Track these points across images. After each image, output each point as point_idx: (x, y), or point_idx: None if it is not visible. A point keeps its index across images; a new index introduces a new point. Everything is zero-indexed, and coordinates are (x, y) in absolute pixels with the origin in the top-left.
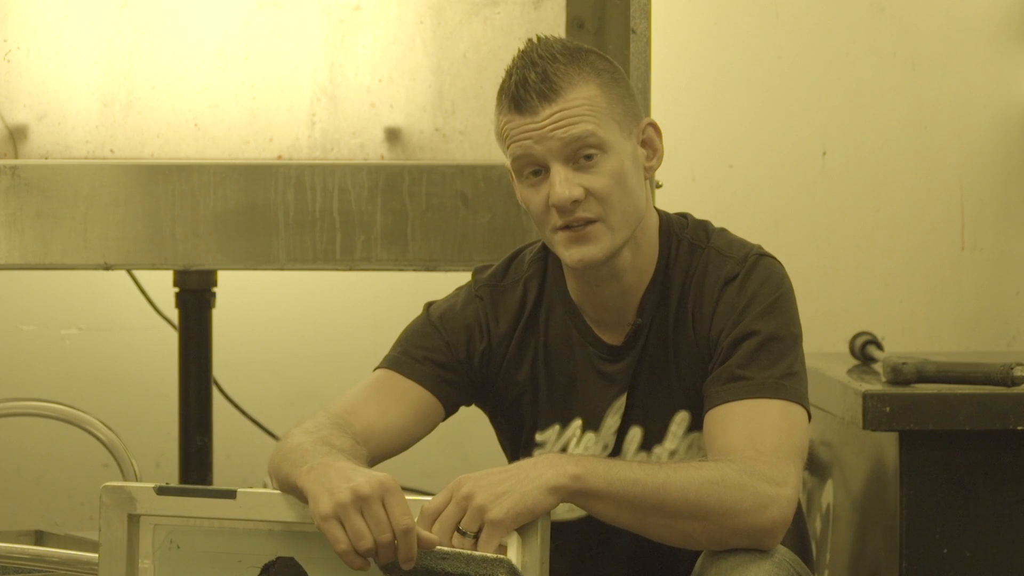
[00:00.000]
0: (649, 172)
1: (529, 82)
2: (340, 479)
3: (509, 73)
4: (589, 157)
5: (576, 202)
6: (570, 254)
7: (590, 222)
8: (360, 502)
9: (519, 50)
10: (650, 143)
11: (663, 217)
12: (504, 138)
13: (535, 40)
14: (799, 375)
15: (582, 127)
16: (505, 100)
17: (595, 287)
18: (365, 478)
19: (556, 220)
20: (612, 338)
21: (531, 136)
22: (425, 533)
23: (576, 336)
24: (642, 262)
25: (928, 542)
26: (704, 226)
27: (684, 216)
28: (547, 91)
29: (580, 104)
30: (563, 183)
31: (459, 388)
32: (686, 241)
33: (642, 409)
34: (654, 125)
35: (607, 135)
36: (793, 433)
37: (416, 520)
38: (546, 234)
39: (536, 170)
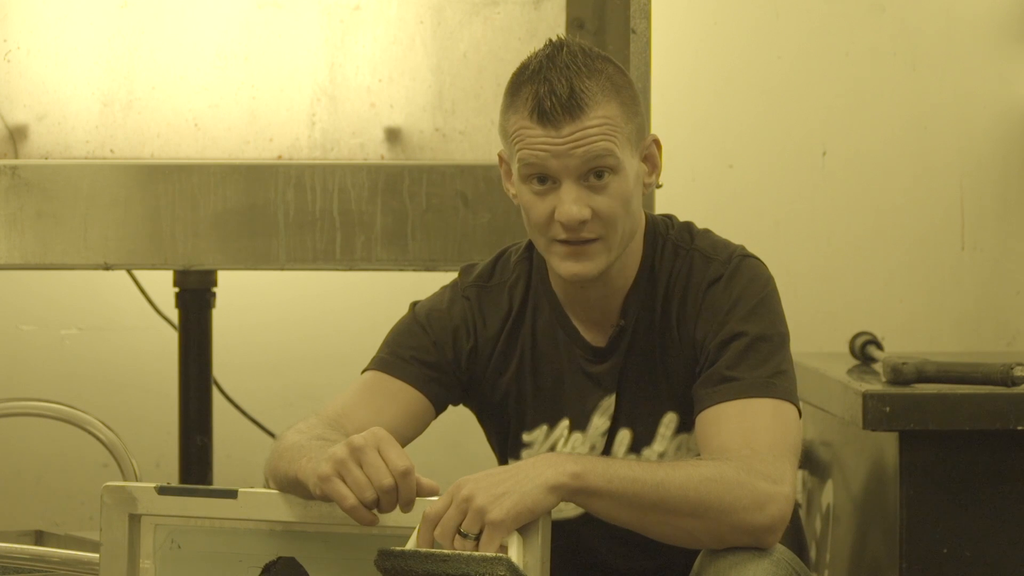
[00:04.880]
0: (647, 188)
1: (557, 93)
2: (336, 445)
3: (530, 76)
4: (600, 176)
5: (583, 222)
6: (565, 267)
7: (590, 241)
8: (357, 453)
9: (542, 53)
10: (651, 159)
11: (649, 219)
12: (514, 139)
13: (556, 44)
14: (788, 373)
15: (602, 145)
16: (525, 105)
17: (581, 289)
18: (358, 434)
19: (557, 233)
20: (597, 339)
21: (549, 150)
22: (426, 480)
23: (562, 337)
24: (626, 266)
25: (928, 542)
26: (688, 228)
27: (669, 217)
28: (573, 107)
29: (602, 124)
30: (573, 202)
31: (447, 387)
32: (670, 243)
33: (630, 411)
34: (657, 141)
35: (621, 156)
36: (787, 431)
37: (418, 523)
38: (540, 241)
39: (542, 178)
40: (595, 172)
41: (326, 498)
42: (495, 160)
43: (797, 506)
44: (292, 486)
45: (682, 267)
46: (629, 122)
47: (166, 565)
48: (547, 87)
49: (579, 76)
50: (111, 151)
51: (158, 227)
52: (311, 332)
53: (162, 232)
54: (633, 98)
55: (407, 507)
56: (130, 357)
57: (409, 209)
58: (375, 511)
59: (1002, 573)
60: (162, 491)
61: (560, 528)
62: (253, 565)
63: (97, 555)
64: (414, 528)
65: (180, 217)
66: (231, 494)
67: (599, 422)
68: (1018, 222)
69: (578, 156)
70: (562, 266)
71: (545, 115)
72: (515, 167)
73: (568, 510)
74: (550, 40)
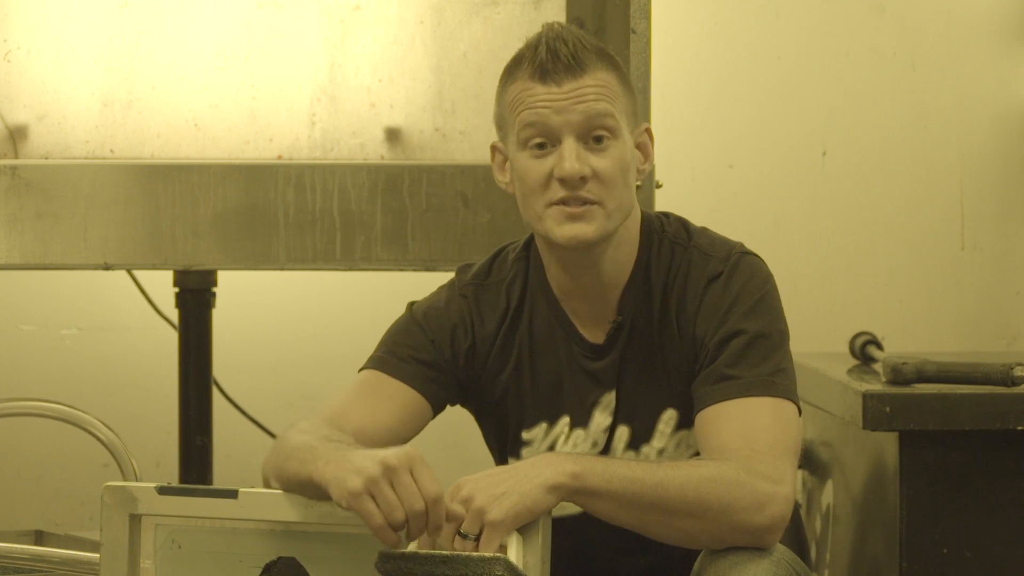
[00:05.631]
0: (640, 175)
1: (560, 54)
2: (365, 459)
3: (532, 45)
4: (599, 140)
5: (583, 179)
6: (562, 231)
7: (588, 203)
8: (390, 474)
9: (544, 26)
10: (644, 147)
11: (643, 215)
12: (514, 106)
13: (552, 24)
14: (787, 371)
15: (603, 106)
16: (527, 68)
17: (574, 276)
18: (392, 452)
19: (556, 193)
20: (595, 336)
21: (551, 106)
22: (453, 507)
23: (560, 334)
24: (621, 257)
25: (928, 542)
26: (684, 224)
27: (665, 215)
28: (575, 66)
29: (602, 86)
30: (575, 158)
31: (445, 387)
32: (667, 239)
33: (629, 408)
34: (650, 131)
35: (620, 122)
36: (786, 430)
37: None
38: (536, 209)
39: (541, 143)
40: (595, 136)
41: (350, 508)
42: None
43: (797, 506)
44: (302, 487)
45: (680, 263)
46: (626, 97)
47: (166, 565)
48: (547, 48)
49: (578, 44)
50: (111, 151)
51: (158, 227)
52: (311, 332)
53: (162, 232)
54: (628, 82)
55: (434, 533)
56: (130, 357)
57: (409, 209)
58: (401, 533)
59: (1002, 573)
60: (162, 491)
61: (560, 526)
62: (253, 565)
63: (97, 555)
64: None
65: (180, 217)
66: (231, 494)
67: (601, 418)
68: (1018, 222)
69: (579, 112)
70: (559, 229)
71: (547, 73)
72: (513, 138)
73: (569, 507)
74: (546, 23)
